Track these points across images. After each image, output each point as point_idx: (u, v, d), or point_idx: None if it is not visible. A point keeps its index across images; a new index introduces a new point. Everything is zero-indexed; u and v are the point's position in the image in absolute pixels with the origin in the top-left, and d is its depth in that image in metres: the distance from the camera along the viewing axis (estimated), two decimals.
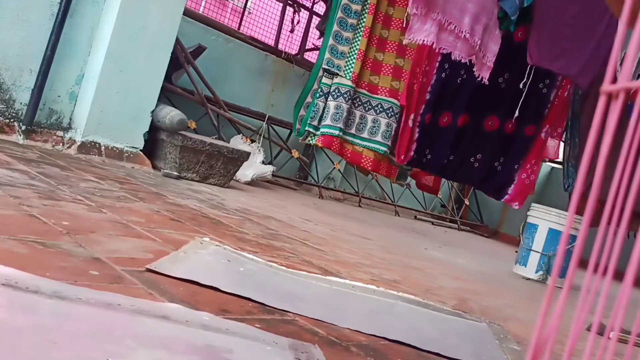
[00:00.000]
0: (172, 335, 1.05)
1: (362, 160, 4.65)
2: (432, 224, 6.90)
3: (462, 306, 2.19)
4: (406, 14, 3.92)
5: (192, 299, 1.32)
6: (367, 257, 2.79)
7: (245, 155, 4.11)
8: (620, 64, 2.84)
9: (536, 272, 3.96)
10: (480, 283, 3.11)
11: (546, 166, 7.62)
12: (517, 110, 4.48)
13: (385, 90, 4.59)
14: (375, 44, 4.54)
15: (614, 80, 0.56)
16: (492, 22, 4.12)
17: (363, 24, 4.44)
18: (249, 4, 6.09)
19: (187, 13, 4.54)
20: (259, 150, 4.88)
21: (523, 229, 4.15)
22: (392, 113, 4.60)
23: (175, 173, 3.65)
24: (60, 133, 3.46)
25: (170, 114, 3.66)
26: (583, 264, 0.50)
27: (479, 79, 4.18)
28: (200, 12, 5.58)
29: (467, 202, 7.76)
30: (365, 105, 4.50)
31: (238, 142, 4.72)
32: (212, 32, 5.18)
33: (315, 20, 6.03)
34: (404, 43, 4.17)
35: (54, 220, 1.69)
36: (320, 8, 6.01)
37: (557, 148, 4.84)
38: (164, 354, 0.96)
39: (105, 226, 1.81)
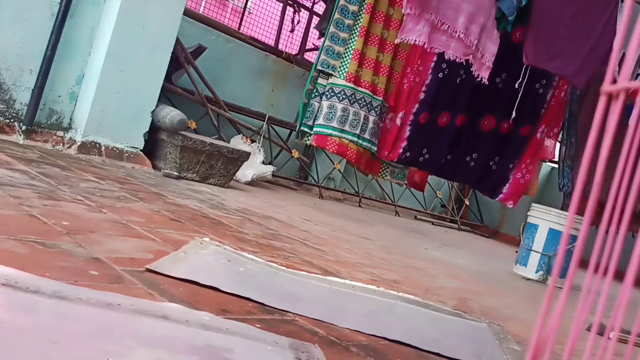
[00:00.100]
0: (172, 335, 1.05)
1: (362, 161, 4.66)
2: (432, 224, 6.90)
3: (462, 306, 2.19)
4: (404, 15, 3.93)
5: (192, 299, 1.32)
6: (367, 257, 2.79)
7: (246, 156, 4.11)
8: (620, 64, 2.84)
9: (536, 272, 3.96)
10: (480, 283, 3.11)
11: (546, 166, 7.62)
12: (514, 110, 4.49)
13: (382, 92, 4.60)
14: (377, 44, 4.54)
15: (614, 80, 0.56)
16: (489, 22, 4.13)
17: (359, 24, 4.45)
18: (249, 4, 6.09)
19: (187, 13, 4.54)
20: (259, 150, 4.88)
21: (523, 229, 4.15)
22: (372, 107, 4.61)
23: (176, 173, 3.65)
24: (60, 133, 3.46)
25: (171, 114, 3.66)
26: (583, 264, 0.50)
27: (479, 79, 4.19)
28: (200, 12, 5.58)
29: (467, 202, 7.76)
30: (368, 105, 4.51)
31: (238, 142, 4.72)
32: (212, 32, 5.18)
33: (316, 20, 6.03)
34: (396, 42, 4.19)
35: (54, 220, 1.69)
36: (321, 8, 6.01)
37: (554, 148, 4.85)
38: (164, 354, 0.96)
39: (105, 226, 1.81)
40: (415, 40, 3.92)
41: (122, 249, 1.60)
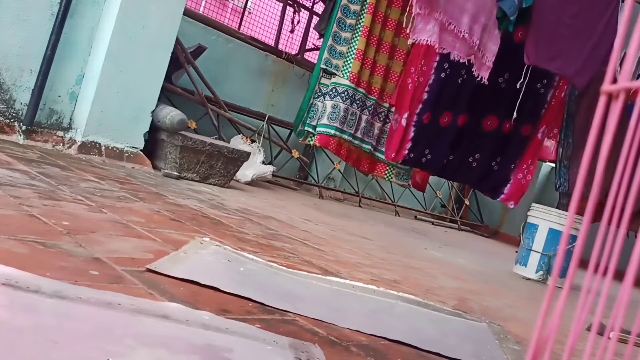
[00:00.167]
0: (173, 335, 1.05)
1: (361, 161, 4.67)
2: (432, 224, 6.90)
3: (462, 306, 2.19)
4: (406, 15, 3.92)
5: (192, 299, 1.32)
6: (367, 257, 2.79)
7: (246, 156, 4.11)
8: (620, 64, 2.84)
9: (536, 272, 3.96)
10: (480, 283, 3.11)
11: (546, 166, 7.62)
12: (515, 111, 4.49)
13: (376, 91, 4.60)
14: (376, 45, 4.55)
15: (615, 80, 0.56)
16: (491, 22, 4.13)
17: (362, 24, 4.45)
18: (249, 4, 6.09)
19: (187, 13, 4.54)
20: (259, 150, 4.88)
21: (523, 229, 4.15)
22: (377, 113, 4.62)
23: (176, 173, 3.65)
24: (60, 133, 3.46)
25: (171, 114, 3.66)
26: (583, 264, 0.50)
27: (479, 78, 4.19)
28: (200, 12, 5.58)
29: (467, 202, 7.76)
30: (362, 105, 4.52)
31: (238, 142, 4.72)
32: (212, 32, 5.18)
33: (316, 20, 6.03)
34: (408, 43, 4.18)
35: (54, 220, 1.69)
36: (321, 8, 6.01)
37: (555, 148, 4.85)
38: (164, 353, 0.96)
39: (106, 226, 1.81)
40: (427, 41, 3.91)
41: (123, 249, 1.60)
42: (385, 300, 1.87)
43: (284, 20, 6.01)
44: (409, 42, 4.04)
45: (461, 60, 4.10)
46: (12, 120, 3.26)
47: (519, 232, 4.23)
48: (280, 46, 5.96)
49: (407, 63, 4.56)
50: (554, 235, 3.93)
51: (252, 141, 5.02)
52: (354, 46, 4.44)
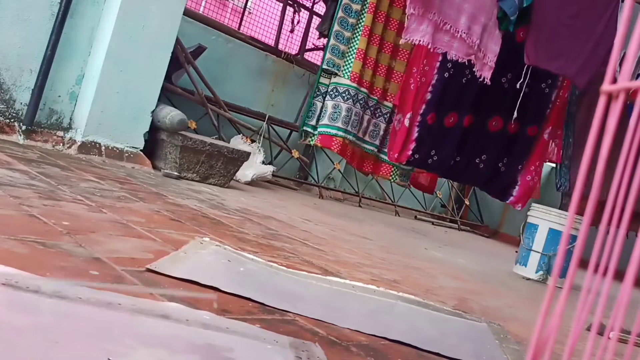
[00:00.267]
0: (173, 335, 1.05)
1: (364, 162, 4.67)
2: (432, 224, 6.90)
3: (462, 306, 2.19)
4: (405, 15, 3.93)
5: (193, 299, 1.32)
6: (367, 257, 2.79)
7: (246, 155, 4.11)
8: (620, 64, 2.84)
9: (536, 272, 3.96)
10: (480, 283, 3.11)
11: (546, 166, 7.61)
12: (516, 111, 4.48)
13: (378, 91, 4.60)
14: (377, 44, 4.54)
15: (614, 80, 0.56)
16: (491, 22, 4.13)
17: (362, 24, 4.44)
18: (249, 4, 6.09)
19: (187, 13, 4.54)
20: (259, 150, 4.88)
21: (523, 229, 4.15)
22: (380, 113, 4.62)
23: (176, 173, 3.65)
24: (60, 133, 3.46)
25: (171, 114, 3.66)
26: (583, 264, 0.50)
27: (481, 79, 4.19)
28: (200, 12, 5.58)
29: (467, 202, 7.76)
30: (364, 104, 4.51)
31: (238, 142, 4.72)
32: (212, 32, 5.18)
33: (316, 20, 6.03)
34: (400, 43, 4.18)
35: (54, 220, 1.69)
36: (321, 8, 6.01)
37: (559, 150, 4.84)
38: (164, 353, 0.96)
39: (106, 226, 1.81)
40: (420, 41, 3.91)
41: (123, 249, 1.60)
42: (385, 300, 1.87)
43: (284, 20, 6.01)
44: (401, 42, 4.04)
45: (460, 60, 4.10)
46: (12, 120, 3.26)
47: (519, 232, 4.23)
48: (280, 46, 5.96)
49: (409, 63, 4.55)
50: (554, 235, 3.93)
51: (252, 141, 5.02)
52: (354, 45, 4.44)
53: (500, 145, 4.73)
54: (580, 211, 0.65)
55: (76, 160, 3.18)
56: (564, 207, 4.66)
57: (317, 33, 5.71)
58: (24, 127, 3.27)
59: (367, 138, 4.60)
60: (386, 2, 4.54)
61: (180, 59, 4.35)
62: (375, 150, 4.68)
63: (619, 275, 0.48)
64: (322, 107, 4.41)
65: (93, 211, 1.98)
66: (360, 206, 6.07)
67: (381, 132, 4.61)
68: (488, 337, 1.79)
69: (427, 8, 3.87)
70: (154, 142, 3.75)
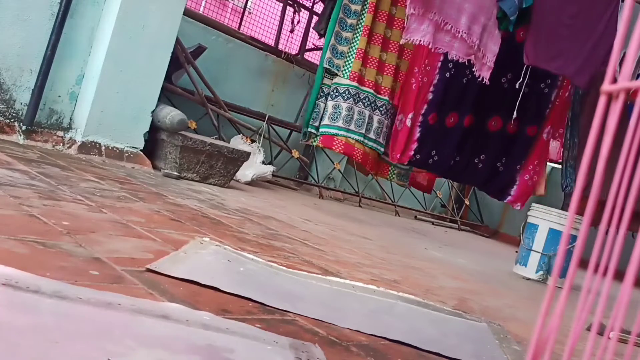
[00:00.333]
0: (173, 335, 1.05)
1: (369, 161, 4.66)
2: (432, 224, 6.90)
3: (462, 306, 2.19)
4: (407, 15, 3.92)
5: (192, 299, 1.32)
6: (367, 257, 2.79)
7: (246, 155, 4.11)
8: (620, 64, 2.84)
9: (536, 272, 3.96)
10: (480, 283, 3.11)
11: (547, 167, 7.62)
12: (515, 111, 4.48)
13: (387, 91, 4.59)
14: (380, 43, 4.53)
15: (614, 80, 0.56)
16: (491, 22, 4.12)
17: (362, 24, 4.44)
18: (249, 4, 6.09)
19: (187, 13, 4.54)
20: (259, 150, 4.88)
21: (523, 229, 4.15)
22: (391, 114, 4.61)
23: (176, 173, 3.65)
24: (60, 133, 3.46)
25: (171, 114, 3.66)
26: (583, 264, 0.50)
27: (480, 79, 4.18)
28: (200, 12, 5.58)
29: (467, 202, 7.76)
30: (372, 105, 4.50)
31: (238, 142, 4.72)
32: (212, 32, 5.18)
33: (316, 20, 6.03)
34: (400, 43, 4.18)
35: (54, 220, 1.69)
36: (321, 8, 6.01)
37: (560, 149, 4.84)
38: (164, 354, 0.96)
39: (106, 226, 1.81)
40: (420, 41, 3.91)
41: (123, 249, 1.60)
42: (385, 300, 1.87)
43: (284, 20, 6.01)
44: (402, 41, 4.03)
45: (460, 60, 4.09)
46: (12, 120, 3.26)
47: (519, 232, 4.23)
48: (280, 46, 5.96)
49: (410, 62, 4.55)
50: (554, 235, 3.93)
51: (252, 141, 5.02)
52: (354, 45, 4.43)
53: (499, 145, 4.72)
54: (580, 211, 0.65)
55: (76, 160, 3.18)
56: (567, 207, 4.66)
57: (317, 33, 5.71)
58: (24, 127, 3.27)
59: (380, 140, 4.58)
60: (388, 1, 4.54)
61: (180, 59, 4.35)
62: (374, 144, 4.65)
63: (619, 275, 0.48)
64: (324, 108, 4.41)
65: (93, 211, 1.98)
66: (360, 206, 6.07)
67: (376, 124, 4.60)
68: (488, 337, 1.79)
69: (428, 8, 3.87)
70: (154, 142, 3.75)
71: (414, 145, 4.45)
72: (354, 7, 4.43)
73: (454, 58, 4.06)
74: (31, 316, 0.96)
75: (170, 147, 3.71)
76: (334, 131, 4.37)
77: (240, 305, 1.38)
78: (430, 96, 4.43)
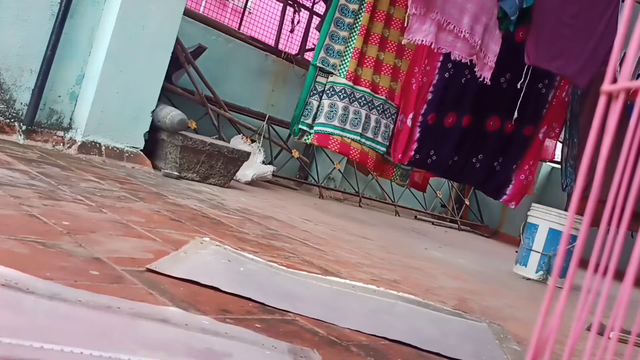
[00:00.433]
0: (172, 339, 1.05)
1: (368, 160, 4.65)
2: (432, 224, 6.90)
3: (462, 306, 2.19)
4: (406, 15, 3.92)
5: (193, 299, 1.32)
6: (367, 257, 2.79)
7: (246, 155, 4.11)
8: (620, 64, 2.84)
9: (536, 272, 3.96)
10: (480, 283, 3.11)
11: (546, 166, 7.62)
12: (516, 111, 4.48)
13: (384, 90, 4.59)
14: (378, 43, 4.53)
15: (614, 80, 0.56)
16: (492, 22, 4.12)
17: (359, 23, 4.44)
18: (249, 4, 6.09)
19: (187, 13, 4.54)
20: (259, 150, 4.88)
21: (523, 229, 4.15)
22: (390, 114, 4.61)
23: (176, 173, 3.65)
24: (60, 133, 3.46)
25: (171, 114, 3.66)
26: (583, 264, 0.50)
27: (481, 79, 4.18)
28: (200, 12, 5.58)
29: (467, 202, 7.76)
30: (369, 104, 4.50)
31: (238, 142, 4.72)
32: (212, 32, 5.18)
33: (316, 20, 6.04)
34: (402, 43, 4.17)
35: (54, 220, 1.69)
36: (321, 8, 6.01)
37: (554, 149, 4.84)
38: (163, 357, 0.96)
39: (106, 226, 1.81)
40: (422, 41, 3.90)
41: (123, 248, 1.60)
42: (385, 300, 1.87)
43: (284, 20, 6.01)
44: (404, 41, 4.03)
45: (463, 60, 4.09)
46: (12, 120, 3.26)
47: (519, 232, 4.23)
48: (280, 46, 5.96)
49: (411, 62, 4.55)
50: (554, 235, 3.93)
51: (252, 141, 5.02)
52: (351, 45, 4.43)
53: (496, 144, 4.74)
54: (580, 211, 0.65)
55: (76, 160, 3.18)
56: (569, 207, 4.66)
57: (317, 33, 5.71)
58: (24, 127, 3.27)
59: (378, 139, 4.58)
60: (386, 1, 4.54)
61: (181, 59, 4.35)
62: (372, 143, 4.65)
63: (619, 275, 0.48)
64: (318, 106, 4.40)
65: (93, 211, 1.98)
66: (360, 206, 6.07)
67: (373, 124, 4.59)
68: (488, 337, 1.79)
69: (429, 8, 3.87)
70: (154, 142, 3.75)
71: (414, 146, 4.46)
72: (351, 7, 4.42)
73: (457, 58, 4.06)
74: (30, 318, 0.95)
75: (170, 147, 3.71)
76: (329, 130, 4.37)
77: (240, 305, 1.38)
78: (429, 96, 4.43)
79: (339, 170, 6.18)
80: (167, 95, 4.33)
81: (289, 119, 5.74)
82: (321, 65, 4.38)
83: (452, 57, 4.08)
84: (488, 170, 4.79)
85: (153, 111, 3.72)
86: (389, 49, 4.60)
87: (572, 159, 4.79)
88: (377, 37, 4.52)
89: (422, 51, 4.38)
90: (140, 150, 3.68)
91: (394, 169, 5.03)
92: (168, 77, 4.03)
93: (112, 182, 2.76)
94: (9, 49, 3.21)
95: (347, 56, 4.43)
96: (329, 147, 4.46)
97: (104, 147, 3.51)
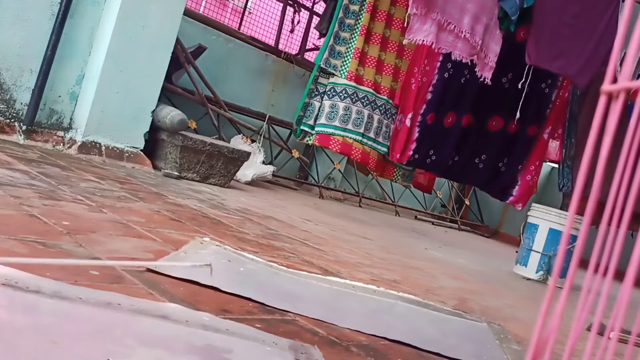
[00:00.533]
0: (172, 335, 1.05)
1: (370, 160, 4.65)
2: (433, 224, 6.90)
3: (462, 306, 2.19)
4: (407, 15, 3.92)
5: (192, 299, 1.32)
6: (367, 257, 2.79)
7: (246, 155, 4.11)
8: (620, 64, 2.84)
9: (536, 272, 3.96)
10: (480, 283, 3.11)
11: (546, 166, 7.62)
12: (518, 111, 4.48)
13: (386, 90, 4.59)
14: (379, 43, 4.53)
15: (614, 80, 0.56)
16: (492, 22, 4.12)
17: (360, 24, 4.44)
18: (249, 4, 6.09)
19: (188, 13, 4.54)
20: (260, 150, 4.88)
21: (523, 229, 4.15)
22: (391, 114, 4.61)
23: (176, 173, 3.65)
24: (60, 133, 3.46)
25: (171, 114, 3.66)
26: (583, 264, 0.50)
27: (482, 79, 4.18)
28: (200, 12, 5.58)
29: (467, 202, 7.76)
30: (372, 104, 4.50)
31: (238, 142, 4.72)
32: (212, 32, 5.18)
33: (316, 20, 6.03)
34: (403, 43, 4.17)
35: (54, 220, 1.69)
36: (321, 8, 6.01)
37: (559, 150, 4.84)
38: (164, 354, 0.96)
39: (106, 226, 1.81)
40: (423, 41, 3.90)
41: (123, 248, 1.60)
42: (385, 300, 1.87)
43: (284, 20, 6.01)
44: (404, 42, 4.03)
45: (464, 61, 4.09)
46: (12, 120, 3.26)
47: (519, 232, 4.23)
48: (280, 46, 5.96)
49: (410, 62, 4.55)
50: (554, 235, 3.93)
51: (252, 141, 5.02)
52: (352, 45, 4.44)
53: (500, 145, 4.72)
54: (581, 211, 0.65)
55: (76, 160, 3.18)
56: (565, 207, 4.66)
57: (317, 33, 5.71)
58: (24, 127, 3.27)
59: (380, 139, 4.58)
60: (387, 1, 4.54)
61: (181, 59, 4.35)
62: (373, 143, 4.64)
63: (619, 275, 0.48)
64: (320, 107, 4.40)
65: (93, 211, 1.98)
66: (360, 206, 6.07)
67: (376, 124, 4.59)
68: (488, 337, 1.79)
69: (430, 8, 3.87)
70: (154, 142, 3.75)
71: (413, 145, 4.46)
72: (352, 8, 4.43)
73: (457, 58, 4.06)
74: (31, 316, 0.96)
75: (170, 147, 3.71)
76: (330, 130, 4.37)
77: (240, 305, 1.38)
78: (429, 96, 4.43)
79: (339, 170, 6.18)
80: (167, 95, 4.33)
81: (289, 119, 5.74)
82: (324, 66, 4.38)
83: (453, 57, 4.08)
84: (492, 171, 4.78)
85: (153, 111, 3.72)
86: (390, 49, 4.60)
87: (569, 159, 4.80)
88: (379, 37, 4.52)
89: (422, 51, 4.38)
90: (140, 150, 3.68)
91: (395, 169, 5.02)
92: (168, 77, 4.03)
93: (112, 182, 2.76)
94: (9, 49, 3.21)
95: (348, 57, 4.43)
96: (330, 147, 4.46)
97: (104, 147, 3.51)
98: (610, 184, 0.53)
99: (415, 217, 6.93)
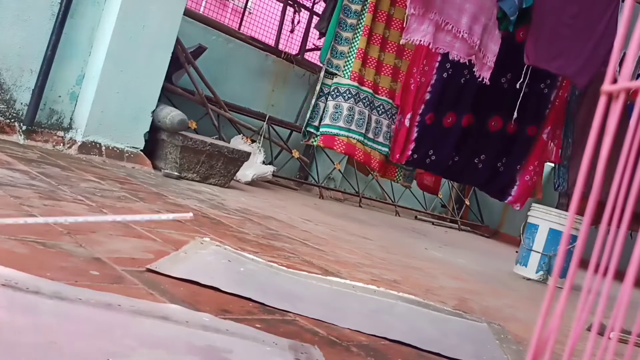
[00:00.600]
0: (173, 336, 1.05)
1: (372, 161, 4.65)
2: (433, 224, 6.90)
3: (462, 306, 2.19)
4: (405, 15, 3.92)
5: (193, 299, 1.32)
6: (368, 257, 2.79)
7: (246, 156, 4.11)
8: (620, 64, 2.84)
9: (537, 272, 3.96)
10: (480, 283, 3.11)
11: (546, 166, 7.61)
12: (516, 111, 4.48)
13: (385, 91, 4.59)
14: (379, 43, 4.54)
15: (614, 80, 0.56)
16: (491, 22, 4.12)
17: (362, 24, 4.44)
18: (249, 4, 6.09)
19: (188, 13, 4.54)
20: (260, 150, 4.88)
21: (523, 229, 4.15)
22: (391, 114, 4.61)
23: (176, 173, 3.65)
24: (60, 133, 3.46)
25: (171, 114, 3.66)
26: (584, 264, 0.50)
27: (480, 79, 4.18)
28: (200, 12, 5.58)
29: (467, 202, 7.76)
30: (370, 105, 4.51)
31: (238, 142, 4.72)
32: (212, 32, 5.18)
33: (316, 20, 6.03)
34: (401, 43, 4.18)
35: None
36: (321, 8, 6.01)
37: (557, 150, 4.84)
38: (164, 354, 0.96)
39: (106, 226, 1.81)
40: (420, 41, 3.91)
41: (123, 249, 1.60)
42: (385, 301, 1.87)
43: (284, 20, 6.01)
44: (402, 42, 4.03)
45: (462, 61, 4.09)
46: (12, 120, 3.26)
47: (519, 232, 4.23)
48: (280, 46, 5.96)
49: (410, 63, 4.56)
50: (554, 236, 3.93)
51: (253, 141, 5.02)
52: (355, 45, 4.44)
53: (499, 145, 4.72)
54: (581, 211, 0.65)
55: (76, 160, 3.18)
56: (560, 206, 4.66)
57: (317, 33, 5.71)
58: (24, 127, 3.27)
59: (380, 139, 4.58)
60: (387, 1, 4.54)
61: (181, 59, 4.35)
62: (372, 143, 4.65)
63: (619, 276, 0.48)
64: (324, 108, 4.41)
65: (93, 211, 1.98)
66: (360, 206, 6.07)
67: (373, 124, 4.59)
68: (488, 337, 1.79)
69: (428, 8, 3.87)
70: (154, 142, 3.75)
71: (412, 145, 4.46)
72: (354, 7, 4.43)
73: (455, 58, 4.06)
74: (31, 317, 0.96)
75: (170, 147, 3.71)
76: (335, 131, 4.37)
77: (240, 306, 1.38)
78: (427, 96, 4.43)
79: (339, 170, 6.18)
80: (167, 95, 4.33)
81: (289, 119, 5.75)
82: (326, 67, 4.39)
83: (451, 57, 4.08)
84: (491, 171, 4.78)
85: (153, 111, 3.72)
86: (389, 50, 4.60)
87: (565, 160, 4.80)
88: (379, 37, 4.52)
89: (421, 52, 4.39)
90: (141, 150, 3.68)
91: (397, 170, 5.03)
92: (168, 77, 4.03)
93: (112, 182, 2.76)
94: (9, 49, 3.21)
95: (351, 57, 4.43)
96: (335, 148, 4.46)
97: (104, 147, 3.51)
98: (610, 184, 0.53)
99: (416, 217, 6.93)
